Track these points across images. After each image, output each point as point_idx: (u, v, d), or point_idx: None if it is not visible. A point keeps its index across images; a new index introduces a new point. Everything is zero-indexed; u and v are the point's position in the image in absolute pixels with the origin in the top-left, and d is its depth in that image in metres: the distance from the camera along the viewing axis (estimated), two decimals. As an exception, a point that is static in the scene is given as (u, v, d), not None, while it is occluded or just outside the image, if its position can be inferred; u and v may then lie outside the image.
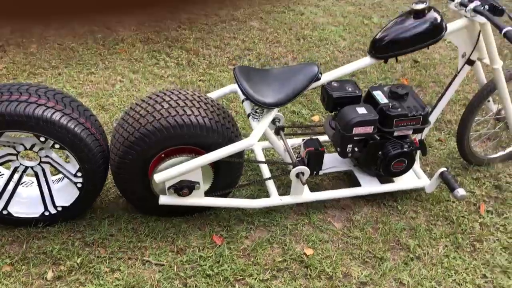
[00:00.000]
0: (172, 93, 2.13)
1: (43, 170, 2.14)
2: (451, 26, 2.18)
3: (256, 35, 4.15)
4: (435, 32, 2.13)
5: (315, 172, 2.39)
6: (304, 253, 2.17)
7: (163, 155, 2.08)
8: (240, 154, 2.18)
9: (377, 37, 2.17)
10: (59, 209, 2.18)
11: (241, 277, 2.05)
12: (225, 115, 2.16)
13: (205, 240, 2.21)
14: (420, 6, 2.10)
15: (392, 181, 2.48)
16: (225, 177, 2.24)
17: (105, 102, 3.17)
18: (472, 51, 2.26)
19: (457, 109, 3.22)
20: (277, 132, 2.49)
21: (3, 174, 2.20)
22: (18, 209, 2.16)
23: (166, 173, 2.03)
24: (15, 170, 2.13)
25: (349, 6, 4.80)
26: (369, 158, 2.33)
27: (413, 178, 2.49)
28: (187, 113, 2.03)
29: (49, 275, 2.01)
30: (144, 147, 2.01)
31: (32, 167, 2.13)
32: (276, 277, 2.06)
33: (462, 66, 2.32)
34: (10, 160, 2.09)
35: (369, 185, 2.42)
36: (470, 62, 2.30)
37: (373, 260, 2.16)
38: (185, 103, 2.07)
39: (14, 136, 2.11)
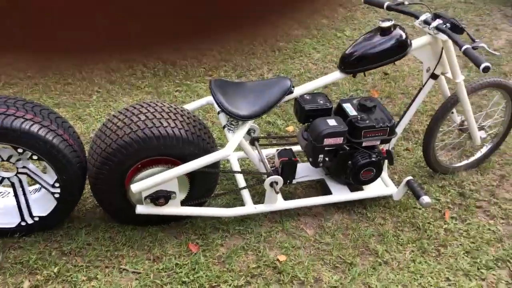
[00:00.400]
0: (149, 105, 2.19)
1: (20, 180, 2.17)
2: (415, 43, 2.31)
3: (233, 46, 4.24)
4: (400, 48, 2.26)
5: (288, 181, 2.48)
6: (277, 259, 2.25)
7: (139, 166, 2.13)
8: (215, 164, 2.25)
9: (346, 53, 2.27)
10: (36, 219, 2.21)
11: (216, 284, 2.11)
12: (201, 126, 2.23)
13: (181, 248, 2.27)
14: (386, 24, 2.22)
15: (362, 189, 2.58)
16: (201, 186, 2.31)
17: (82, 113, 3.20)
18: (436, 66, 2.39)
19: (424, 120, 3.36)
20: (252, 143, 2.57)
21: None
22: (-6, 220, 2.18)
23: (143, 184, 2.08)
24: (-12, 182, 2.16)
25: (323, 19, 4.93)
26: (340, 167, 2.43)
27: (381, 186, 2.60)
28: (163, 125, 2.09)
29: (26, 284, 2.04)
30: (121, 158, 2.07)
31: (8, 178, 2.16)
32: (250, 283, 2.13)
33: (427, 80, 2.45)
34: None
35: (340, 193, 2.52)
36: (434, 76, 2.43)
37: (343, 265, 2.25)
38: (161, 115, 2.13)
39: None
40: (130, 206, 2.23)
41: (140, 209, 2.18)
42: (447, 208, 2.63)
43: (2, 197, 2.27)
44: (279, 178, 2.30)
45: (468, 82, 2.59)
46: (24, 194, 2.19)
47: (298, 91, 2.28)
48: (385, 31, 2.24)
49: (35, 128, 1.96)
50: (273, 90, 2.21)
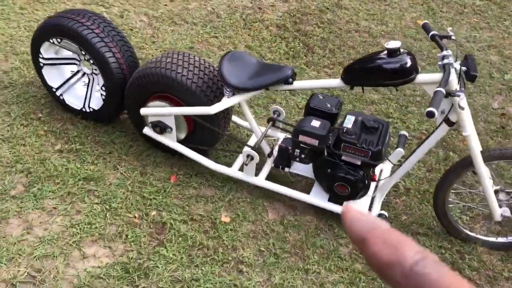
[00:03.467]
0: (183, 54, 2.64)
1: (93, 78, 2.92)
2: (425, 76, 2.15)
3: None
4: (402, 74, 2.14)
5: (280, 166, 2.65)
6: (222, 220, 2.51)
7: (155, 96, 2.64)
8: (211, 120, 2.59)
9: (350, 64, 2.28)
10: (91, 110, 2.94)
11: (162, 209, 2.52)
12: (211, 83, 2.58)
13: (165, 175, 2.72)
14: (391, 45, 2.14)
15: (340, 204, 2.55)
16: (199, 135, 2.69)
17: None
18: (449, 110, 2.17)
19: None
20: (268, 121, 2.79)
21: (73, 70, 3.05)
22: (69, 98, 3.00)
23: (148, 110, 2.59)
24: (78, 72, 2.97)
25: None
26: (319, 171, 2.48)
27: (362, 210, 2.51)
28: (178, 71, 2.53)
29: (58, 146, 2.81)
30: (143, 82, 2.58)
31: (87, 74, 2.93)
32: (186, 222, 2.47)
33: (440, 124, 2.24)
34: (75, 64, 2.93)
35: (316, 197, 2.56)
36: (449, 123, 2.21)
37: (266, 252, 2.38)
38: (183, 64, 2.57)
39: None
40: (144, 125, 2.77)
41: (145, 130, 2.71)
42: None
43: (83, 86, 3.06)
44: (255, 154, 2.51)
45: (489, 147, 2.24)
46: (91, 89, 2.94)
47: (296, 84, 2.41)
48: (391, 53, 2.16)
49: (95, 39, 2.64)
50: (271, 75, 2.39)
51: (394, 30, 4.47)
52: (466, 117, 2.11)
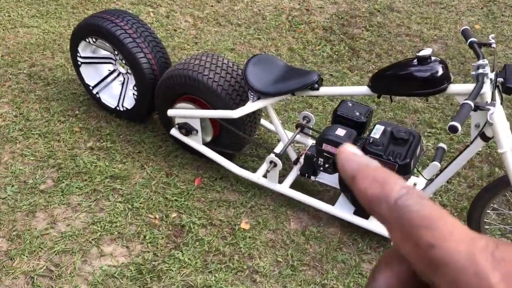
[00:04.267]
0: (212, 56, 2.61)
1: (128, 78, 2.97)
2: (458, 87, 1.98)
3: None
4: (433, 83, 1.99)
5: (307, 174, 2.56)
6: (241, 227, 2.45)
7: (182, 98, 2.63)
8: (237, 124, 2.54)
9: (378, 71, 2.15)
10: (124, 109, 2.99)
11: (182, 212, 2.50)
12: (237, 87, 2.53)
13: (190, 177, 2.71)
14: (423, 53, 1.99)
15: (366, 218, 2.42)
16: (225, 138, 2.65)
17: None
18: (485, 125, 1.99)
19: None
20: (296, 127, 2.70)
21: (109, 69, 3.11)
22: (105, 97, 3.06)
23: (175, 111, 2.59)
24: (114, 71, 3.03)
25: None
26: (344, 182, 2.35)
27: (387, 227, 2.37)
28: (205, 73, 2.50)
29: (90, 144, 2.87)
30: (172, 83, 2.58)
31: (122, 73, 2.98)
32: (206, 227, 2.44)
33: (475, 138, 2.06)
34: (111, 63, 2.99)
35: (341, 210, 2.44)
36: (484, 138, 2.03)
37: (281, 262, 2.29)
38: (210, 66, 2.53)
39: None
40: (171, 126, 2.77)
41: (173, 131, 2.71)
42: None
43: (119, 85, 3.12)
44: (278, 161, 2.43)
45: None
46: (125, 88, 2.98)
47: (322, 91, 2.30)
48: (421, 61, 2.01)
49: (127, 40, 2.68)
50: (296, 80, 2.31)
51: (448, 35, 4.21)
52: (501, 133, 1.92)
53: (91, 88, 3.03)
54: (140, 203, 2.54)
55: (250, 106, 2.41)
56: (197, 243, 2.37)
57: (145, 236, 2.38)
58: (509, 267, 0.26)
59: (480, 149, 2.07)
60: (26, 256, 2.26)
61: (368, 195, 0.32)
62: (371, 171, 0.33)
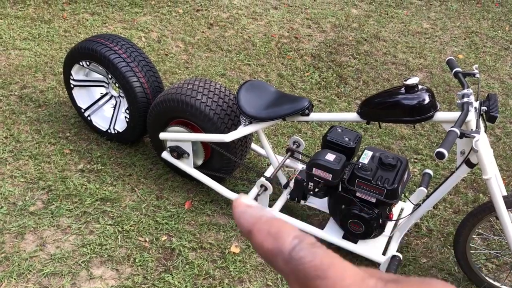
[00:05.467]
0: (205, 81, 2.66)
1: (120, 101, 3.00)
2: (445, 115, 2.06)
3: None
4: (419, 111, 2.06)
5: (296, 199, 2.59)
6: (232, 250, 2.46)
7: (174, 122, 2.66)
8: (228, 147, 2.58)
9: (366, 98, 2.22)
10: (115, 132, 3.01)
11: (172, 235, 2.51)
12: (229, 111, 2.58)
13: (180, 200, 2.72)
14: (410, 82, 2.06)
15: (355, 242, 2.45)
16: (216, 162, 2.68)
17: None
18: (470, 152, 2.06)
19: None
20: (287, 151, 2.75)
21: (102, 92, 3.14)
22: (96, 119, 3.08)
23: (166, 134, 2.62)
24: (106, 94, 3.06)
25: None
26: (334, 207, 2.40)
27: (376, 249, 2.40)
28: (197, 98, 2.55)
29: (81, 166, 2.87)
30: (163, 107, 2.62)
31: (114, 96, 3.01)
32: (196, 250, 2.44)
33: (460, 165, 2.12)
34: (104, 86, 3.02)
35: (330, 234, 2.47)
36: (470, 164, 2.09)
37: (274, 286, 2.30)
38: (203, 90, 2.58)
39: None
40: (163, 149, 2.80)
41: (164, 154, 2.73)
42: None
43: (111, 108, 3.14)
44: (269, 185, 2.47)
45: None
46: (117, 111, 3.01)
47: (313, 116, 2.36)
48: (409, 89, 2.08)
49: (121, 64, 2.72)
50: (288, 105, 2.36)
51: (433, 63, 4.34)
52: (486, 160, 1.99)
53: (82, 110, 3.05)
54: (130, 226, 2.54)
55: (242, 131, 2.45)
56: (187, 266, 2.37)
57: (135, 259, 2.38)
58: None
59: (465, 175, 2.13)
60: (14, 279, 2.24)
61: (264, 250, 0.32)
62: (265, 223, 0.33)
